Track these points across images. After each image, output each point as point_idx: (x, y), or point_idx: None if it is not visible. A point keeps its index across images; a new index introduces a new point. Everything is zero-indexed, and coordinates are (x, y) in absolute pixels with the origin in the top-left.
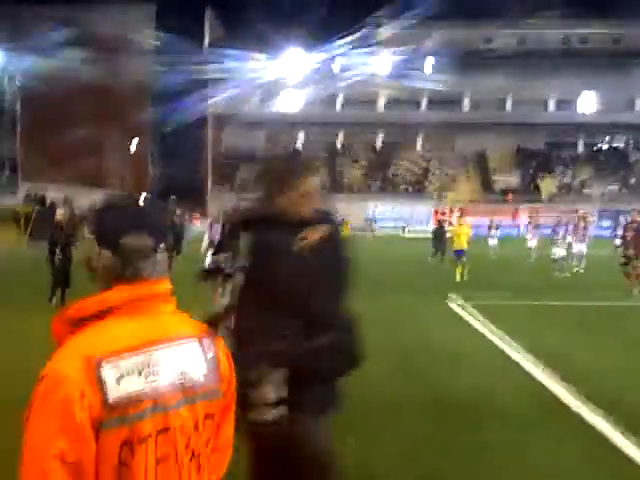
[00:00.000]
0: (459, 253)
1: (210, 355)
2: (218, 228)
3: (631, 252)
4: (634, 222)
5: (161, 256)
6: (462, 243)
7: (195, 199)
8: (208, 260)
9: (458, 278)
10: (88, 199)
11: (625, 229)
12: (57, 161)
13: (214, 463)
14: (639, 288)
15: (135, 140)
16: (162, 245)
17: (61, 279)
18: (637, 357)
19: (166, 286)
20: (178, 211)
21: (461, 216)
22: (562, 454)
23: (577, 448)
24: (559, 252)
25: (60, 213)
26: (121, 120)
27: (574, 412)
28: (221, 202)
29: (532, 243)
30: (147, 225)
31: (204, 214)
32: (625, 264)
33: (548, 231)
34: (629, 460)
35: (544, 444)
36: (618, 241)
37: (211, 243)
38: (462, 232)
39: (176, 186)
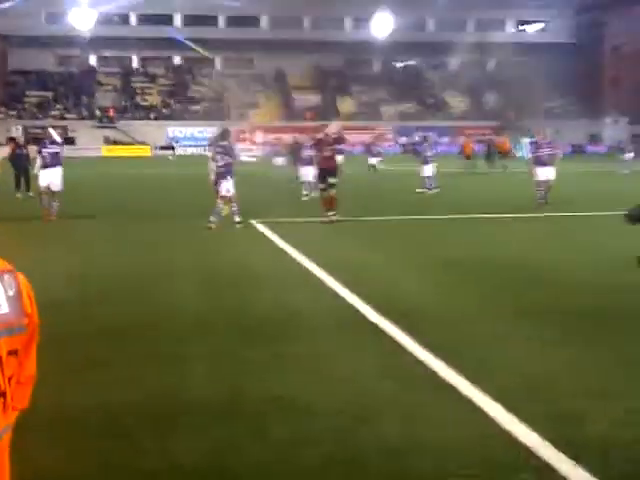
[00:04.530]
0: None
1: (11, 291)
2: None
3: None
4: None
5: None
6: None
7: None
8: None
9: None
10: None
11: (317, 144)
12: None
13: (17, 397)
14: (334, 212)
15: None
16: None
17: None
18: (424, 268)
19: None
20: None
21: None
22: (362, 363)
23: (375, 356)
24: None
25: None
26: None
27: (371, 322)
28: (9, 129)
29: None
30: None
31: None
32: (324, 189)
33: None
34: (420, 364)
35: (344, 354)
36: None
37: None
38: None
39: None
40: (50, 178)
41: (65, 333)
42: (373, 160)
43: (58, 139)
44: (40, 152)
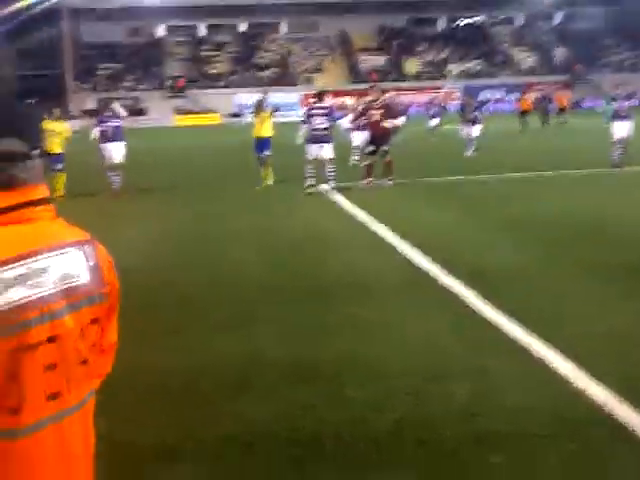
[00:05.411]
0: (264, 145)
1: (92, 260)
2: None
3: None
4: (374, 102)
5: (36, 162)
6: (267, 130)
7: (55, 99)
8: None
9: (269, 181)
10: None
11: (367, 111)
12: None
13: (99, 365)
14: (392, 177)
15: None
16: (36, 151)
17: None
18: (489, 228)
19: (44, 192)
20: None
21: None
22: (433, 324)
23: (446, 317)
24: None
25: None
26: None
27: (440, 284)
28: (83, 101)
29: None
30: (18, 130)
31: (66, 114)
32: (372, 152)
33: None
34: (490, 324)
35: (415, 316)
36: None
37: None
38: (266, 116)
39: (34, 86)
40: (115, 151)
41: (139, 302)
42: (433, 122)
43: (123, 113)
44: (99, 125)
